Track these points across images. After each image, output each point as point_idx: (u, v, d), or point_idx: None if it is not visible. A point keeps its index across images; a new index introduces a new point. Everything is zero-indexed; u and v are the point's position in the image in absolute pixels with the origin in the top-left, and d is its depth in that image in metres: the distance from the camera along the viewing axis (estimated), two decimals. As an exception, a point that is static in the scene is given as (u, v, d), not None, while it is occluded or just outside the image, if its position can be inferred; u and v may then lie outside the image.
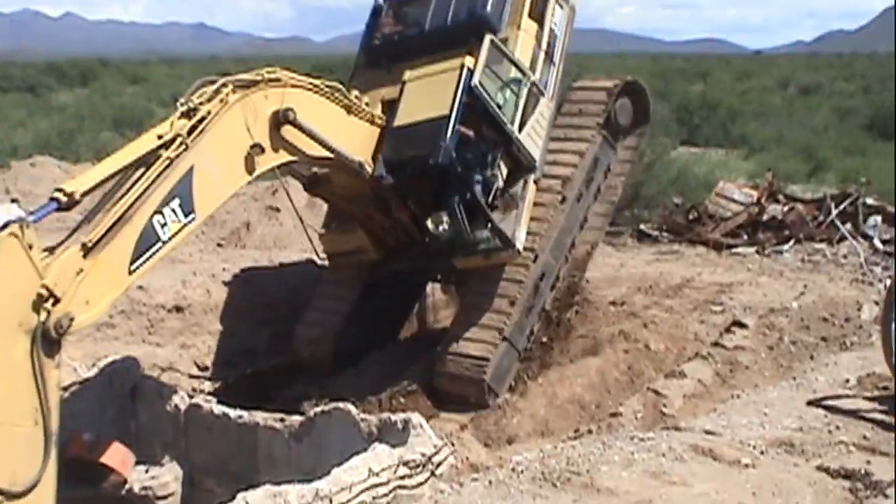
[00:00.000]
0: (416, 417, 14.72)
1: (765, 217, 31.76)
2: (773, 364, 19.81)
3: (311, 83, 16.84)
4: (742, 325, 21.06)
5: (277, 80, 15.94)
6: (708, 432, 13.96)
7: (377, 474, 13.40)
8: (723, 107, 66.65)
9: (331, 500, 12.89)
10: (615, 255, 29.57)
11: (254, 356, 21.54)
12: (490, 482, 12.60)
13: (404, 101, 18.59)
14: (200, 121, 14.32)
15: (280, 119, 15.76)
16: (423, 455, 13.93)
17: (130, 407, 18.30)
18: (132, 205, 13.15)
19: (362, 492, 13.21)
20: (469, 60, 18.27)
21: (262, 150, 15.50)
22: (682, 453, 12.89)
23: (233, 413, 17.03)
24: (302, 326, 20.90)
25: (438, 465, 14.03)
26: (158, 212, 13.67)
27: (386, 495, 13.34)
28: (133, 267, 13.22)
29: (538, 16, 20.26)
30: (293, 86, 16.32)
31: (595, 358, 19.57)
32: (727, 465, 12.64)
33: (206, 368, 20.94)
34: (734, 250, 30.00)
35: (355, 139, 17.87)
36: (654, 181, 35.29)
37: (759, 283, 25.15)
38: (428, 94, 18.43)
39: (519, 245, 18.61)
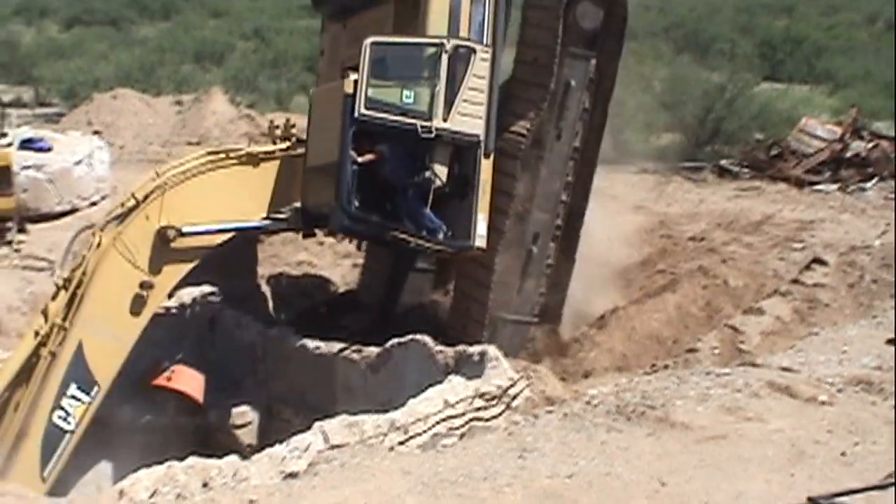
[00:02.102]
0: (492, 350, 14.75)
1: (848, 154, 31.31)
2: (852, 302, 19.59)
3: (198, 165, 16.56)
4: (822, 263, 20.80)
5: (152, 191, 15.93)
6: (785, 369, 13.84)
7: (452, 406, 13.47)
8: (808, 42, 65.62)
9: (406, 431, 12.98)
10: (695, 190, 29.34)
11: (329, 288, 21.72)
12: (565, 415, 12.58)
13: (310, 132, 17.91)
14: (77, 288, 14.45)
15: (169, 237, 15.80)
16: (499, 387, 13.98)
17: (209, 336, 18.50)
18: (26, 417, 13.33)
19: (437, 423, 13.29)
20: (350, 83, 16.82)
21: (152, 285, 15.62)
22: (758, 389, 12.80)
23: (310, 344, 17.17)
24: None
25: (514, 397, 14.08)
26: (56, 407, 13.83)
27: (461, 427, 13.40)
28: (45, 473, 13.46)
29: None
30: (176, 184, 16.16)
31: (673, 293, 19.46)
32: (803, 402, 12.54)
33: (283, 298, 21.09)
34: (816, 187, 29.62)
35: (271, 190, 17.39)
36: (735, 116, 34.96)
37: (840, 221, 24.85)
38: (324, 126, 17.49)
39: (477, 241, 17.52)
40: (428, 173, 17.25)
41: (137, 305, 15.49)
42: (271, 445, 12.76)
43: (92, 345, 14.52)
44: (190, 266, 16.27)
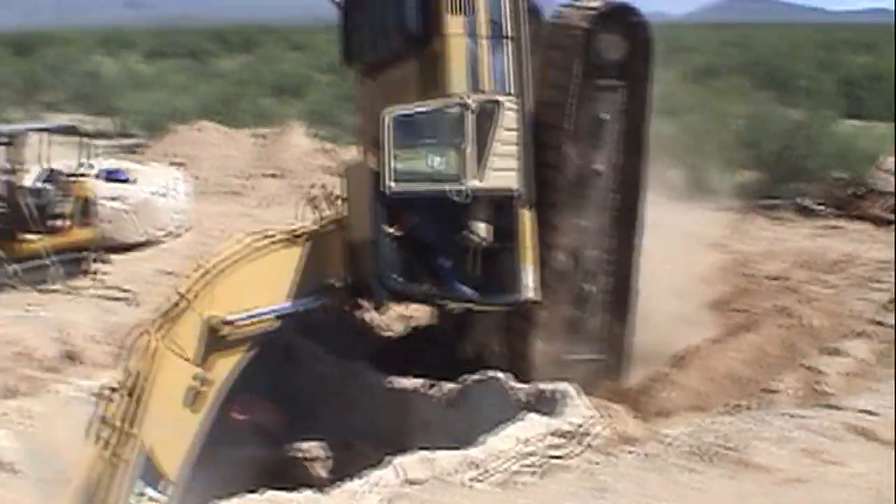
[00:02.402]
0: (569, 387, 14.71)
1: (930, 193, 30.95)
2: (935, 344, 19.37)
3: (241, 251, 16.53)
4: (904, 303, 20.59)
5: (197, 285, 15.97)
6: (866, 412, 13.72)
7: (529, 443, 13.44)
8: (889, 79, 65.12)
9: (483, 468, 12.95)
10: (774, 228, 29.17)
11: (405, 323, 21.73)
12: (642, 455, 12.55)
13: (349, 205, 17.74)
14: (136, 391, 14.60)
15: (218, 329, 15.87)
16: (576, 425, 13.93)
17: (284, 368, 18.57)
18: None
19: (514, 460, 13.26)
20: (372, 160, 16.75)
21: (210, 379, 15.80)
22: (838, 432, 12.71)
23: (387, 378, 17.18)
24: None
25: (591, 436, 14.02)
26: None
27: (538, 464, 13.36)
28: None
29: (462, 4, 17.13)
30: (220, 274, 16.18)
31: (752, 333, 19.31)
32: (885, 445, 12.43)
33: (359, 332, 21.11)
34: (897, 226, 29.29)
35: (316, 266, 17.23)
36: (815, 154, 34.70)
37: (921, 261, 24.57)
38: (358, 201, 17.28)
39: (527, 293, 17.07)
40: (466, 233, 16.86)
41: (198, 400, 15.69)
42: (347, 479, 12.78)
43: (157, 443, 14.75)
44: (246, 354, 16.44)
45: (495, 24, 17.07)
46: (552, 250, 17.41)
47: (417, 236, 16.67)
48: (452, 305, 17.12)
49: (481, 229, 16.83)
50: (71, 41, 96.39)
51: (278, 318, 16.73)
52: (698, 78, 40.68)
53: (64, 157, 25.86)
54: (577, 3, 18.12)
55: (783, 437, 12.59)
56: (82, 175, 24.83)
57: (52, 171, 24.67)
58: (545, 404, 14.62)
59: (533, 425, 13.78)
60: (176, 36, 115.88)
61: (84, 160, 24.82)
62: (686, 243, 21.88)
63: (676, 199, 25.28)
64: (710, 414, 16.43)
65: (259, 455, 17.05)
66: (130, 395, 15.03)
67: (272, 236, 16.94)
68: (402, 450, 13.49)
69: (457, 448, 13.38)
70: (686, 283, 20.79)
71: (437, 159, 16.60)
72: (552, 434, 13.67)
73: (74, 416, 16.83)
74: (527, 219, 17.04)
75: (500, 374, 15.80)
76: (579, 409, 14.30)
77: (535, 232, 17.10)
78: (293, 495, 12.19)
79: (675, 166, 26.82)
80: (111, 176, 27.39)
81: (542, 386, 15.15)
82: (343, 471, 13.92)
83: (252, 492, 12.18)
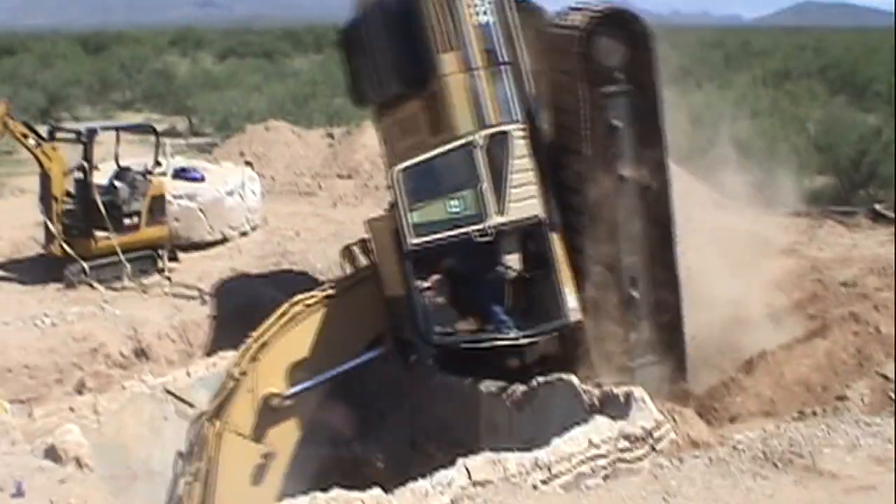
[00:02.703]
0: (638, 391, 14.65)
1: None
2: None
3: (282, 323, 16.53)
4: (978, 312, 20.35)
5: (247, 363, 16.09)
6: (938, 419, 13.57)
7: (597, 446, 13.40)
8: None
9: (550, 470, 12.93)
10: (848, 235, 28.86)
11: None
12: (710, 459, 12.46)
13: (378, 260, 17.58)
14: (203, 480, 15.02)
15: (274, 405, 16.01)
16: (644, 429, 13.87)
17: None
18: None
19: (581, 463, 13.22)
20: (380, 226, 16.90)
21: (274, 454, 16.03)
22: (910, 440, 12.57)
23: (456, 380, 17.18)
24: None
25: (659, 439, 13.95)
26: None
27: (605, 467, 13.32)
28: None
29: (452, 41, 16.78)
30: (261, 345, 16.26)
31: (823, 339, 19.14)
32: (957, 453, 12.29)
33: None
34: (973, 234, 28.93)
35: (359, 321, 17.25)
36: (891, 160, 34.35)
37: None
38: (385, 258, 17.14)
39: (571, 315, 16.92)
40: (500, 269, 16.75)
41: (266, 476, 15.89)
42: (414, 480, 12.79)
43: None
44: (304, 422, 16.53)
45: (490, 53, 16.80)
46: (590, 265, 17.09)
47: (452, 283, 16.63)
48: (500, 345, 16.66)
49: (514, 261, 16.77)
50: (143, 40, 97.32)
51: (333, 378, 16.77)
52: (772, 82, 40.40)
53: (136, 156, 26.08)
54: (564, 21, 17.70)
55: (853, 444, 12.46)
56: (155, 174, 25.02)
57: (124, 169, 24.87)
58: (614, 407, 14.57)
59: (601, 428, 13.73)
60: (248, 35, 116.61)
61: (157, 159, 25.02)
62: (759, 248, 21.77)
63: (749, 205, 25.17)
64: (779, 420, 16.32)
65: (328, 454, 17.10)
66: (202, 482, 15.23)
67: (309, 301, 16.92)
68: (469, 451, 13.50)
69: (524, 450, 13.38)
70: (757, 288, 20.69)
71: (455, 204, 16.34)
72: (620, 437, 13.62)
73: (143, 412, 17.01)
74: (557, 241, 16.88)
75: (570, 377, 15.75)
76: (648, 412, 14.23)
77: (567, 253, 16.92)
78: (361, 494, 12.22)
79: (749, 171, 26.70)
80: (183, 175, 27.57)
81: (611, 389, 15.08)
82: (411, 471, 13.92)
83: (321, 490, 12.23)
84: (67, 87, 57.61)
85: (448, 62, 16.58)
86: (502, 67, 16.77)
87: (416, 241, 16.04)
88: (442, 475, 12.68)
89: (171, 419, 17.30)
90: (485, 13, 16.65)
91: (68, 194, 23.70)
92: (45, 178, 23.38)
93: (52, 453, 13.98)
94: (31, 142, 22.99)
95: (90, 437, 15.19)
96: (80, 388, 18.78)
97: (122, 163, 25.04)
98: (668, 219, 17.74)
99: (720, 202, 27.36)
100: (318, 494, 12.07)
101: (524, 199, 16.58)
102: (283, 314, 16.73)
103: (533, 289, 16.92)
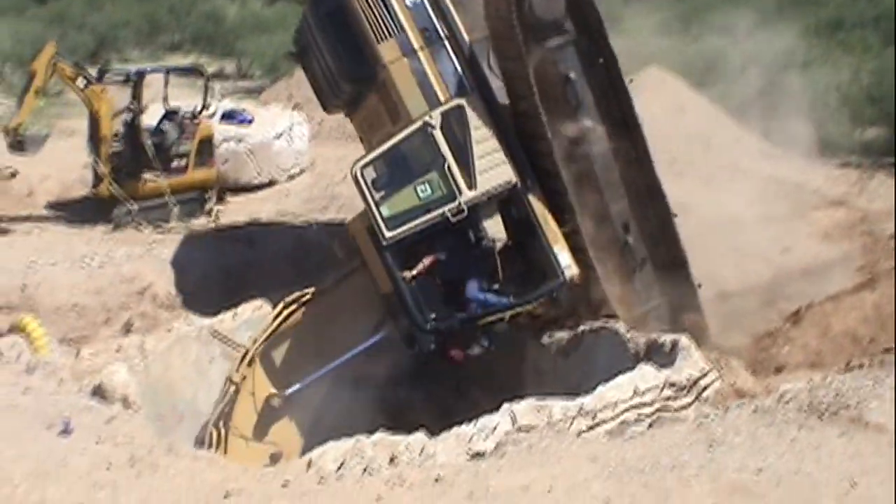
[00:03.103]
0: (684, 339, 14.62)
1: None
2: None
3: (277, 322, 16.86)
4: None
5: (245, 375, 16.31)
6: None
7: (642, 394, 13.41)
8: None
9: (594, 417, 12.95)
10: (898, 186, 28.60)
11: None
12: (755, 409, 12.43)
13: (366, 259, 17.08)
14: None
15: (276, 405, 16.27)
16: (690, 378, 13.86)
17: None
18: None
19: (626, 410, 13.24)
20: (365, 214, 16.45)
21: (281, 453, 15.95)
22: (957, 392, 12.48)
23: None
24: None
25: (704, 388, 13.93)
26: None
27: (650, 415, 13.31)
28: None
29: (386, 29, 16.70)
30: (258, 349, 16.54)
31: (871, 292, 19.00)
32: None
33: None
34: None
35: (356, 312, 17.25)
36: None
37: None
38: (368, 257, 16.84)
39: (567, 273, 16.40)
40: (485, 241, 16.55)
41: None
42: (458, 424, 12.82)
43: None
44: (310, 417, 16.63)
45: (427, 31, 16.68)
46: (579, 221, 16.63)
47: (439, 267, 16.48)
48: (501, 320, 16.43)
49: (497, 230, 16.58)
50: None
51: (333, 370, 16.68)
52: (824, 32, 39.85)
53: (185, 98, 26.08)
54: None
55: (901, 396, 12.40)
56: (203, 116, 25.02)
57: (173, 111, 24.88)
58: (660, 356, 14.55)
59: (647, 376, 13.73)
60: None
61: (205, 101, 25.02)
62: (808, 199, 21.65)
63: (799, 155, 24.96)
64: (826, 371, 16.24)
65: (376, 398, 17.13)
66: None
67: (301, 299, 17.09)
68: (514, 397, 13.52)
69: (569, 396, 13.39)
70: (806, 239, 20.58)
71: (423, 188, 16.22)
72: (666, 385, 13.61)
73: (189, 353, 17.10)
74: (536, 201, 16.56)
75: (616, 324, 15.72)
76: (694, 361, 14.21)
77: (553, 214, 16.57)
78: (405, 438, 12.27)
79: (800, 121, 26.48)
80: (231, 117, 27.53)
81: (657, 337, 15.05)
82: (455, 416, 13.96)
83: (368, 434, 12.28)
84: (116, 30, 57.48)
85: (387, 50, 16.58)
86: (442, 42, 16.66)
87: (391, 233, 16.01)
88: (486, 420, 12.73)
89: (216, 361, 17.39)
90: None
91: (116, 136, 23.75)
92: (94, 120, 23.41)
93: (99, 393, 14.11)
94: (80, 84, 23.01)
95: (137, 378, 15.30)
96: (128, 329, 18.88)
97: (171, 105, 25.03)
98: (644, 155, 17.30)
99: (769, 152, 27.15)
100: (363, 437, 12.13)
101: (492, 167, 16.35)
102: (277, 315, 16.92)
103: (524, 255, 16.75)
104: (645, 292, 17.52)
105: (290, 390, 16.19)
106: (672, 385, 13.63)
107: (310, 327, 17.03)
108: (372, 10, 16.58)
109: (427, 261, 16.21)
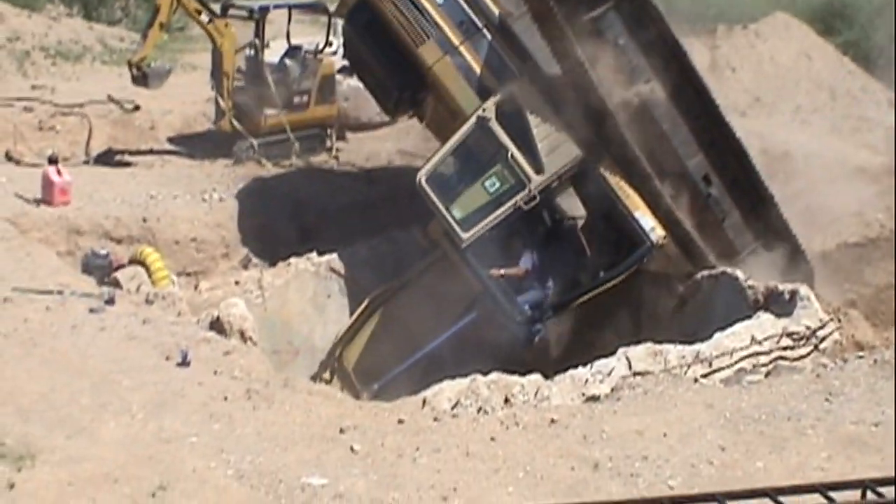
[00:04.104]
0: (804, 289, 14.47)
1: None
2: None
3: (364, 316, 17.01)
4: None
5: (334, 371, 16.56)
6: None
7: (759, 343, 13.31)
8: None
9: (711, 364, 12.89)
10: None
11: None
12: (875, 361, 12.28)
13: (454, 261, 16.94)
14: None
15: (367, 398, 15.49)
16: (808, 328, 13.73)
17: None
18: None
19: (743, 359, 13.16)
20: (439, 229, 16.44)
21: None
22: None
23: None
24: None
25: (823, 339, 13.79)
26: None
27: (766, 364, 13.22)
28: None
29: (421, 31, 16.73)
30: (345, 344, 16.85)
31: None
32: None
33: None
34: None
35: (442, 297, 17.04)
36: None
37: None
38: (458, 261, 16.67)
39: (653, 236, 16.28)
40: (565, 223, 16.69)
41: None
42: (574, 367, 12.82)
43: None
44: None
45: (463, 24, 16.67)
46: (659, 183, 16.39)
47: (526, 255, 16.47)
48: (591, 295, 16.37)
49: (576, 207, 16.75)
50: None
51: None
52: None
53: (308, 35, 26.12)
54: None
55: None
56: (325, 53, 25.05)
57: (295, 48, 24.93)
58: (778, 305, 14.42)
59: (764, 325, 13.64)
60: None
61: (328, 38, 25.04)
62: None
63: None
64: (949, 325, 16.04)
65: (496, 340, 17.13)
66: None
67: (386, 291, 17.21)
68: (631, 342, 13.49)
69: (686, 343, 13.33)
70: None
71: (491, 182, 16.17)
72: (784, 335, 13.50)
73: (307, 289, 17.23)
74: (608, 172, 16.40)
75: (735, 271, 15.58)
76: (813, 311, 14.07)
77: (624, 177, 16.37)
78: (521, 379, 12.29)
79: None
80: (354, 55, 27.54)
81: (776, 286, 14.90)
82: (571, 359, 13.96)
83: (485, 374, 12.31)
84: (239, -35, 58.13)
85: (428, 52, 16.66)
86: (480, 33, 16.63)
87: (467, 234, 15.98)
88: (602, 364, 12.72)
89: (334, 297, 17.52)
90: None
91: (239, 71, 23.88)
92: (217, 55, 23.53)
93: (216, 325, 14.25)
94: (204, 18, 23.10)
95: (254, 312, 15.46)
96: (246, 263, 19.05)
97: (294, 41, 25.09)
98: (710, 103, 17.01)
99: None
100: (479, 377, 12.16)
101: (556, 146, 16.25)
102: (365, 309, 17.05)
103: (607, 226, 16.66)
104: (739, 239, 17.34)
105: (378, 383, 16.17)
106: (790, 335, 13.51)
107: (396, 319, 17.13)
108: (404, 15, 16.70)
109: (518, 269, 16.37)
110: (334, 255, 17.72)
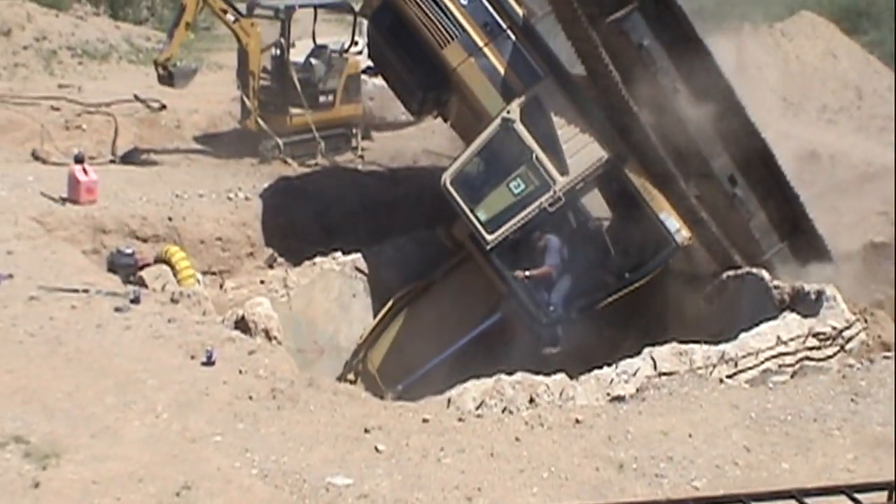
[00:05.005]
0: (830, 289, 14.41)
1: None
2: None
3: (388, 316, 17.14)
4: None
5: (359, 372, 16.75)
6: None
7: (785, 343, 13.26)
8: None
9: (736, 364, 12.85)
10: None
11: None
12: (901, 362, 12.24)
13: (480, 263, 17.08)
14: None
15: (393, 398, 15.16)
16: (834, 328, 13.68)
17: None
18: None
19: (768, 359, 13.12)
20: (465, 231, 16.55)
21: None
22: None
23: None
24: None
25: (849, 340, 13.74)
26: None
27: (792, 365, 13.19)
28: None
29: (447, 33, 16.59)
30: (369, 345, 17.08)
31: None
32: None
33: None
34: None
35: (467, 298, 17.43)
36: None
37: None
38: (483, 263, 16.81)
39: (678, 238, 16.31)
40: (590, 224, 16.69)
41: None
42: (599, 367, 12.80)
43: None
44: None
45: (488, 25, 16.56)
46: (685, 184, 16.43)
47: (551, 257, 16.42)
48: (616, 297, 16.45)
49: (602, 210, 16.70)
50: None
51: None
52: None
53: (333, 35, 26.16)
54: None
55: None
56: (351, 52, 25.08)
57: (321, 47, 24.97)
58: (804, 305, 14.38)
59: (790, 325, 13.60)
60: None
61: (354, 38, 25.07)
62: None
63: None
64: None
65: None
66: None
67: (411, 293, 17.34)
68: (656, 342, 13.46)
69: (712, 343, 13.30)
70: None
71: (516, 183, 16.14)
72: (809, 335, 13.46)
73: (332, 288, 17.24)
74: (634, 172, 16.39)
75: (761, 272, 15.55)
76: (839, 311, 14.02)
77: (648, 182, 16.36)
78: (546, 378, 12.27)
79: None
80: (379, 54, 27.57)
81: (802, 286, 14.86)
82: (596, 359, 13.93)
83: (509, 374, 12.30)
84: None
85: (452, 54, 16.58)
86: (505, 33, 16.52)
87: (492, 236, 16.00)
88: (628, 363, 12.70)
89: (359, 296, 17.54)
90: None
91: (265, 70, 23.93)
92: (243, 54, 23.58)
93: (241, 325, 14.26)
94: (230, 17, 23.14)
95: (279, 311, 15.46)
96: (271, 263, 19.06)
97: (319, 41, 25.13)
98: (735, 104, 16.82)
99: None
100: (503, 376, 12.15)
101: (581, 148, 16.22)
102: (389, 310, 17.12)
103: (632, 227, 16.59)
104: (765, 239, 17.25)
105: (402, 384, 16.07)
106: (816, 335, 13.47)
107: (421, 319, 17.14)
108: (429, 16, 16.61)
109: (543, 269, 16.29)
110: (359, 255, 17.76)
